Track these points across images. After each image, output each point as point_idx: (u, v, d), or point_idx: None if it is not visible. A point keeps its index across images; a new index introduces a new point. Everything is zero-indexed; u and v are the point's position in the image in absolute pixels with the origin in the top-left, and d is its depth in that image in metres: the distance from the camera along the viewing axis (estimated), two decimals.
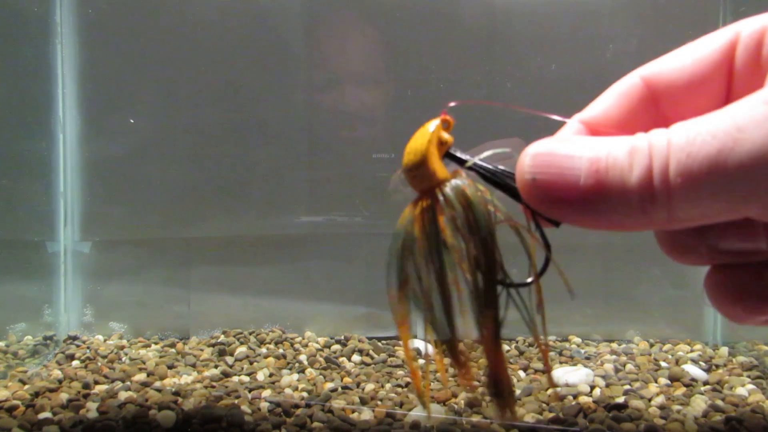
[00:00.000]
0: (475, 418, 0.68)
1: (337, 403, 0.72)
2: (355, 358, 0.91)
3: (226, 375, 0.83)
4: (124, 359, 0.91)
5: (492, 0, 1.00)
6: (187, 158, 1.02)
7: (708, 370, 0.85)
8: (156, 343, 0.98)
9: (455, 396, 0.75)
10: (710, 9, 0.96)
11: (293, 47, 1.03)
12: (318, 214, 1.03)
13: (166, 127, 1.02)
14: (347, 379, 0.82)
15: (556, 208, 0.24)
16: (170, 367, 0.86)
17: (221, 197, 1.03)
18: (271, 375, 0.84)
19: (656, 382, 0.81)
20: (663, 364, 0.87)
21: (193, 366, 0.87)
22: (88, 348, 0.94)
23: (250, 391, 0.76)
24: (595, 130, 0.30)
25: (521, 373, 0.83)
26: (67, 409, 0.70)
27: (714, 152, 0.21)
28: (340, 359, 0.90)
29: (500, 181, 0.27)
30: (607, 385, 0.79)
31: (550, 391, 0.75)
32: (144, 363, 0.88)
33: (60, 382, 0.79)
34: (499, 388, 0.28)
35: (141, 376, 0.81)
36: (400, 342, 0.98)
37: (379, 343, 0.96)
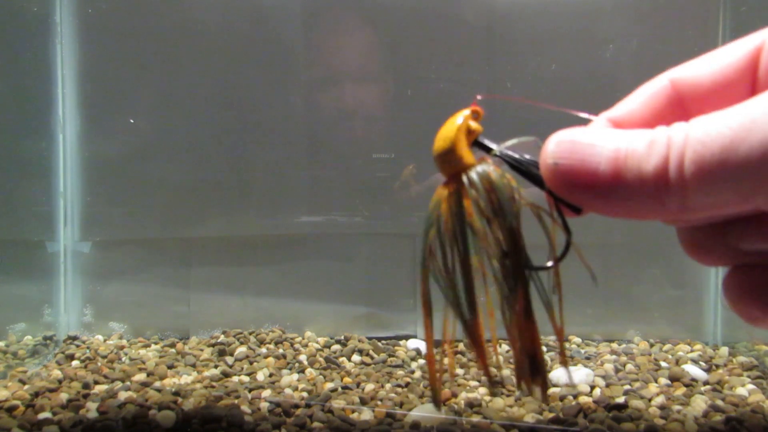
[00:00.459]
0: (475, 418, 0.68)
1: (337, 403, 0.72)
2: (355, 358, 0.91)
3: (226, 375, 0.83)
4: (124, 359, 0.91)
5: (492, 0, 1.00)
6: (187, 158, 1.02)
7: (708, 370, 0.85)
8: (156, 343, 0.98)
9: (455, 396, 0.75)
10: (710, 9, 0.96)
11: (293, 47, 1.03)
12: (318, 214, 1.03)
13: (166, 127, 1.03)
14: (347, 379, 0.82)
15: (576, 193, 0.26)
16: (170, 367, 0.86)
17: (221, 197, 1.03)
18: (271, 375, 0.84)
19: (656, 382, 0.81)
20: (663, 364, 0.87)
21: (193, 366, 0.87)
22: (88, 348, 0.94)
23: (250, 391, 0.76)
24: (621, 127, 0.31)
25: None
26: (67, 409, 0.70)
27: (727, 142, 0.22)
28: (340, 359, 0.90)
29: (525, 168, 0.28)
30: (607, 385, 0.79)
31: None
32: (144, 363, 0.88)
33: (60, 382, 0.79)
34: (536, 365, 0.29)
35: (141, 376, 0.81)
36: (400, 343, 0.98)
37: (379, 343, 0.96)
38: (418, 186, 0.99)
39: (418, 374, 0.84)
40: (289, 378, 0.82)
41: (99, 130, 1.01)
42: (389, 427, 0.66)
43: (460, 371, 0.84)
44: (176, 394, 0.73)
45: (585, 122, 0.30)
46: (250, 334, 0.99)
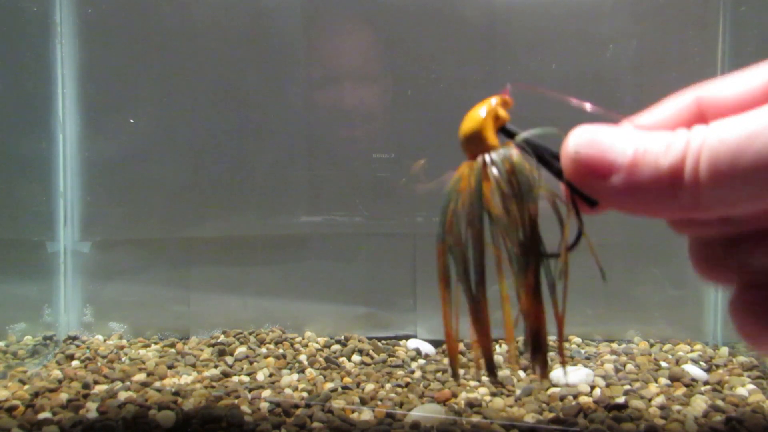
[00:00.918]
0: (475, 418, 0.68)
1: (337, 403, 0.72)
2: (355, 358, 0.91)
3: (226, 375, 0.83)
4: (123, 359, 0.91)
5: (492, 0, 1.00)
6: (187, 158, 1.02)
7: (708, 370, 0.85)
8: (156, 343, 0.98)
9: (455, 396, 0.75)
10: (710, 9, 0.96)
11: (293, 47, 1.03)
12: (318, 214, 1.03)
13: (166, 127, 1.02)
14: (347, 379, 0.82)
15: (593, 184, 0.26)
16: (170, 367, 0.86)
17: (221, 197, 1.03)
18: (271, 375, 0.84)
19: (656, 382, 0.81)
20: (663, 364, 0.87)
21: (193, 366, 0.87)
22: (87, 348, 0.94)
23: (250, 391, 0.76)
24: None
25: (521, 373, 0.83)
26: (67, 409, 0.70)
27: (742, 138, 0.23)
28: (340, 359, 0.90)
29: (545, 158, 0.29)
30: (607, 385, 0.79)
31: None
32: (144, 363, 0.88)
33: (60, 382, 0.79)
34: (540, 343, 0.30)
35: (141, 376, 0.81)
36: (400, 343, 0.98)
37: (379, 343, 0.96)
38: (426, 183, 0.99)
39: (418, 374, 0.84)
40: (289, 378, 0.82)
41: (99, 130, 1.01)
42: (389, 427, 0.66)
43: (460, 371, 0.83)
44: (176, 394, 0.73)
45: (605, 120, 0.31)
46: (250, 334, 0.99)
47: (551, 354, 0.31)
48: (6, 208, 0.96)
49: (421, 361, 0.91)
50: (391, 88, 1.04)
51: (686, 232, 0.30)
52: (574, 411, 0.70)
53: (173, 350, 0.95)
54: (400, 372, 0.85)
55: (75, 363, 0.89)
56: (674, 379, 0.81)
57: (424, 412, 0.69)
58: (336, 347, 0.96)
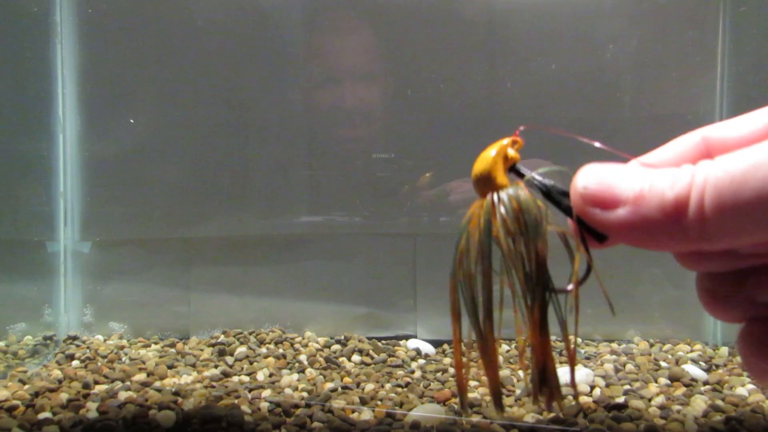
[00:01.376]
0: (475, 418, 0.68)
1: (337, 403, 0.72)
2: (355, 358, 0.91)
3: (226, 375, 0.83)
4: (124, 359, 0.91)
5: (492, 0, 1.00)
6: (187, 158, 1.02)
7: (708, 370, 0.85)
8: (156, 343, 0.98)
9: (455, 396, 0.75)
10: (710, 9, 0.96)
11: (293, 47, 1.03)
12: (318, 214, 1.03)
13: (166, 127, 1.03)
14: (347, 379, 0.82)
15: (601, 216, 0.27)
16: (170, 367, 0.86)
17: (221, 197, 1.03)
18: (271, 375, 0.84)
19: (656, 382, 0.81)
20: (663, 364, 0.87)
21: (193, 366, 0.87)
22: (88, 348, 0.94)
23: (250, 391, 0.76)
24: None
25: (521, 374, 0.83)
26: (67, 409, 0.70)
27: (746, 168, 0.24)
28: (340, 359, 0.90)
29: (554, 196, 0.30)
30: (607, 385, 0.79)
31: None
32: (144, 363, 0.88)
33: (60, 382, 0.79)
34: (548, 377, 0.30)
35: (141, 376, 0.81)
36: (400, 343, 0.98)
37: (379, 343, 0.96)
38: (428, 192, 0.99)
39: (418, 374, 0.84)
40: (289, 378, 0.82)
41: (99, 130, 1.01)
42: (389, 427, 0.66)
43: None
44: (176, 394, 0.73)
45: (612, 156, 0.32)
46: (250, 334, 0.99)
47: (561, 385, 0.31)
48: (6, 208, 0.96)
49: (421, 361, 0.91)
50: (391, 88, 1.04)
51: (694, 268, 0.31)
52: (574, 411, 0.70)
53: (173, 350, 0.95)
54: (400, 372, 0.85)
55: (75, 363, 0.89)
56: (674, 379, 0.81)
57: (424, 412, 0.69)
58: (336, 347, 0.96)
